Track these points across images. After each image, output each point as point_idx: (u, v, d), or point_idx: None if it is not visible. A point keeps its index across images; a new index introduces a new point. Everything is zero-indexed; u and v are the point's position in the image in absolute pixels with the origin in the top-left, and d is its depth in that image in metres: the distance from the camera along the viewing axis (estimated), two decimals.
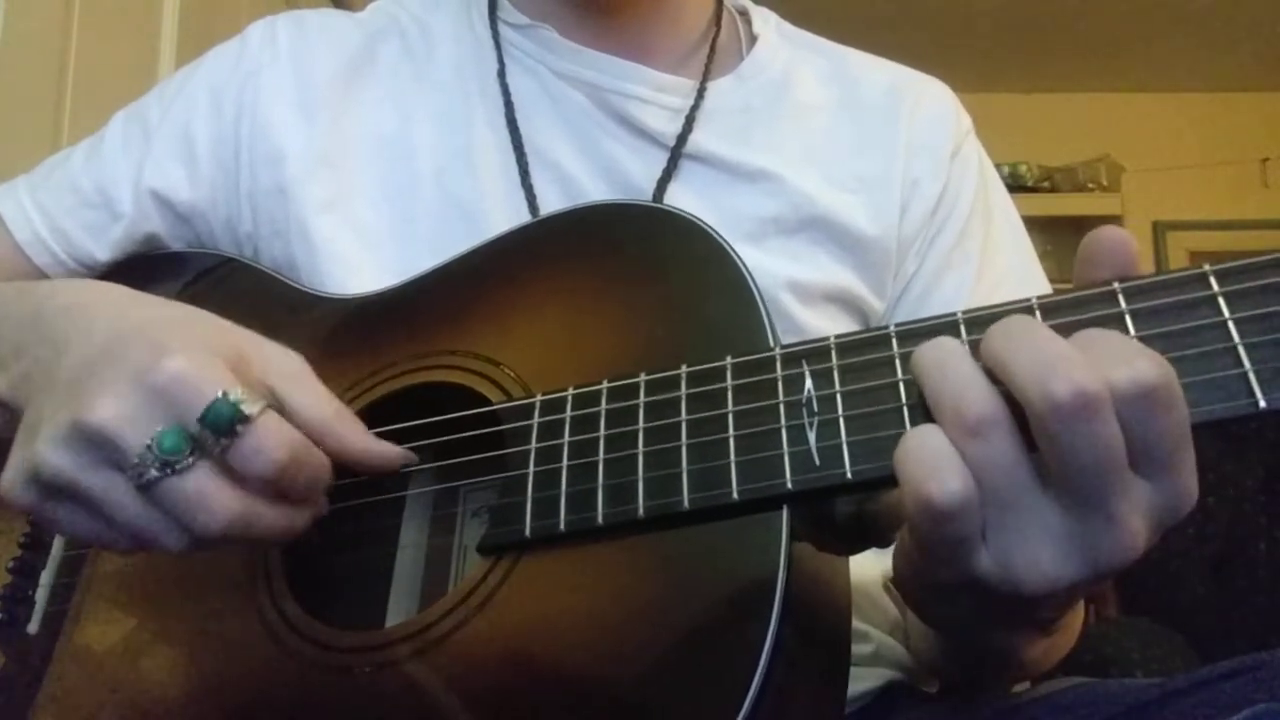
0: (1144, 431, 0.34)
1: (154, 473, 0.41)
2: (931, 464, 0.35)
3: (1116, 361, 0.34)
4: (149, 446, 0.41)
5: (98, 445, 0.41)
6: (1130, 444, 0.35)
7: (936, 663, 0.60)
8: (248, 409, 0.41)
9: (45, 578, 0.58)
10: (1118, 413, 0.34)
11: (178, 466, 0.41)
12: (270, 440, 0.42)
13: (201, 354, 0.43)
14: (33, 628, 0.56)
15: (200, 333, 0.45)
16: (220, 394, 0.41)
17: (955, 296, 0.68)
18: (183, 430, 0.41)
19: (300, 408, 0.45)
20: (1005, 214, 0.73)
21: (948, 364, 0.37)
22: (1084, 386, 0.33)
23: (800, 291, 0.65)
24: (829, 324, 0.64)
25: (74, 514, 0.43)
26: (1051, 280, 0.72)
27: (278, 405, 0.44)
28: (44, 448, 0.42)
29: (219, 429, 0.41)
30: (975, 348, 0.37)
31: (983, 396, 0.36)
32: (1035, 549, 0.36)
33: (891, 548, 0.67)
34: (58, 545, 0.59)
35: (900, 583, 0.46)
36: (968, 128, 0.74)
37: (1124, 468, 0.35)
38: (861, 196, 0.68)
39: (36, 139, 1.14)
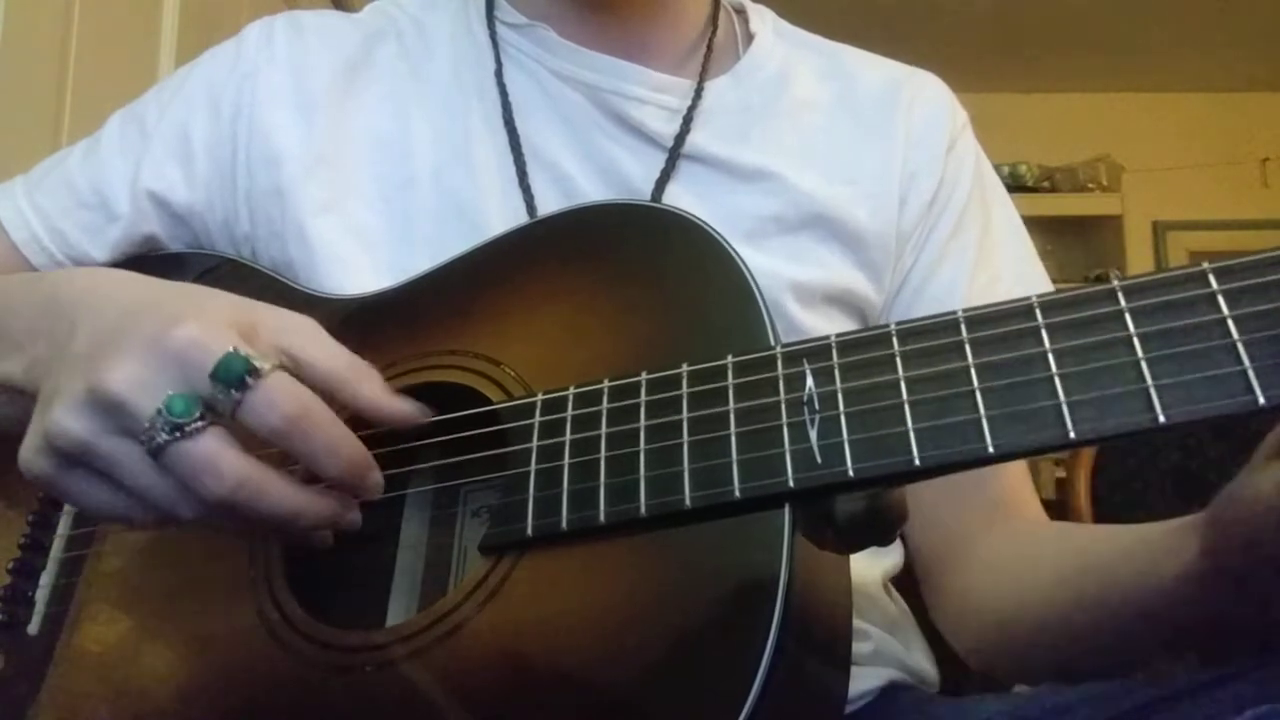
0: None
1: (164, 436, 0.41)
2: None
3: None
4: (160, 410, 0.41)
5: (111, 411, 0.42)
6: None
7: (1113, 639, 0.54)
8: (259, 363, 0.42)
9: (45, 578, 0.58)
10: None
11: (187, 429, 0.41)
12: (281, 393, 0.42)
13: (213, 321, 0.43)
14: (33, 628, 0.56)
15: (209, 303, 0.46)
16: (231, 348, 0.42)
17: (952, 288, 0.68)
18: (194, 394, 0.41)
19: (314, 361, 0.45)
20: (1003, 208, 0.73)
21: None
22: None
23: (801, 292, 0.65)
24: (828, 326, 0.64)
25: (89, 483, 0.44)
26: (1051, 280, 0.72)
27: (292, 366, 0.44)
28: (59, 416, 0.43)
29: (230, 382, 0.41)
30: None
31: None
32: None
33: (890, 550, 0.67)
34: (57, 546, 0.59)
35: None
36: (964, 122, 0.74)
37: None
38: (859, 191, 0.68)
39: (36, 139, 1.14)
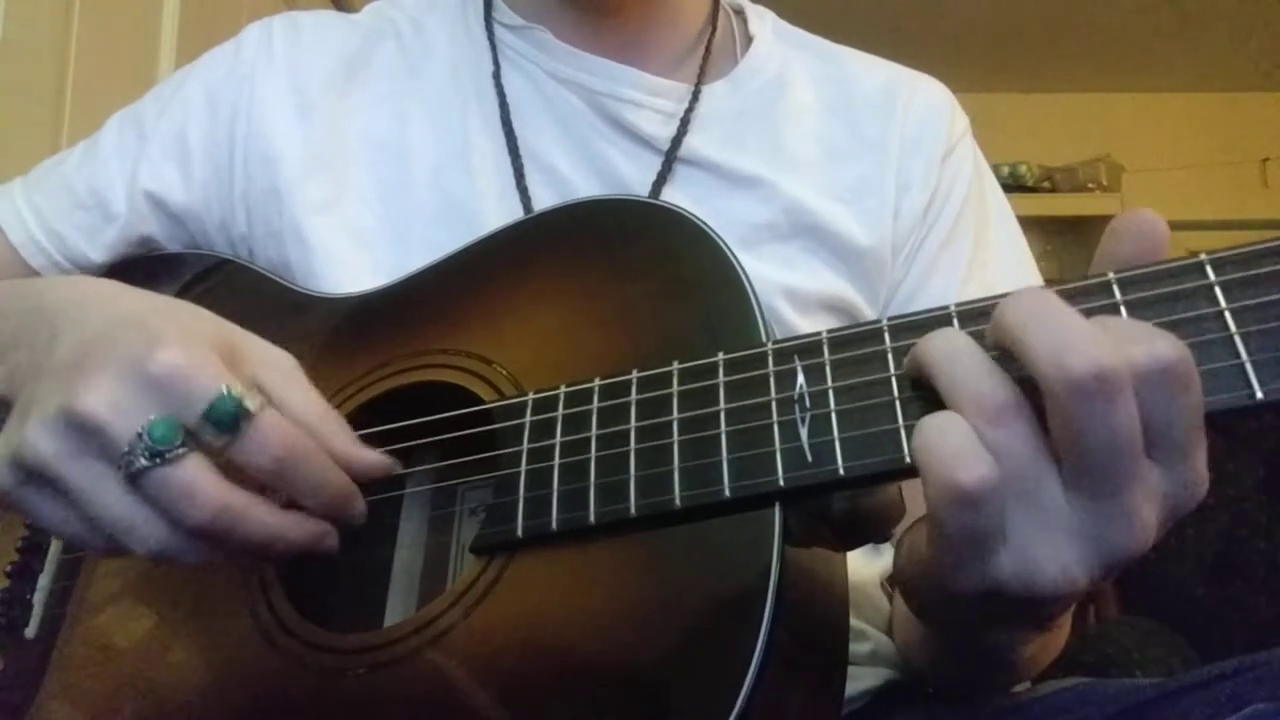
0: (1162, 413, 0.34)
1: (143, 461, 0.40)
2: (956, 451, 0.35)
3: (1135, 340, 0.34)
4: (139, 435, 0.40)
5: (86, 433, 0.41)
6: (1147, 426, 0.34)
7: (926, 662, 0.59)
8: (250, 404, 0.41)
9: (43, 581, 0.58)
10: (1136, 393, 0.33)
11: (168, 456, 0.40)
12: (272, 437, 0.42)
13: (196, 346, 0.42)
14: (30, 631, 0.56)
15: (193, 324, 0.45)
16: (224, 390, 0.41)
17: (941, 300, 0.67)
18: (175, 420, 0.41)
19: (286, 405, 0.44)
20: (1001, 219, 0.72)
21: (960, 353, 0.37)
22: (1103, 364, 0.33)
23: (794, 298, 0.64)
24: (822, 328, 0.64)
25: (50, 503, 0.43)
26: (1051, 281, 0.71)
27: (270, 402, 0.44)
28: (31, 432, 0.42)
29: (223, 425, 0.41)
30: (979, 339, 0.37)
31: (1000, 383, 0.35)
32: (1051, 540, 0.35)
33: (888, 544, 0.67)
34: (55, 549, 0.59)
35: (907, 589, 0.46)
36: (963, 128, 0.73)
37: (1139, 453, 0.34)
38: (854, 206, 0.67)
39: (36, 139, 1.14)
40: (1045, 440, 0.35)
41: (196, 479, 0.41)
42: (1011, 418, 0.35)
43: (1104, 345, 0.33)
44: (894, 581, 0.46)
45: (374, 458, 0.47)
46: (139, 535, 0.42)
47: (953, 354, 0.37)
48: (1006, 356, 0.36)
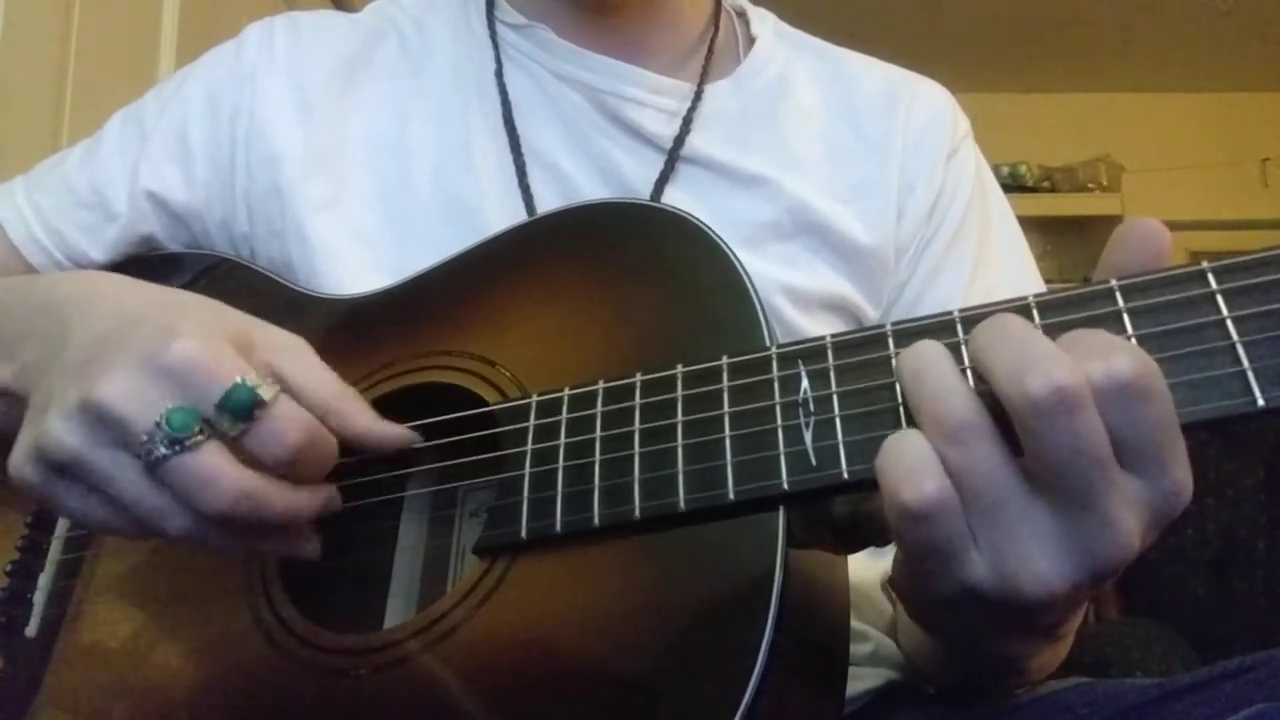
0: (1126, 426, 0.34)
1: (163, 450, 0.41)
2: (908, 468, 0.36)
3: (1093, 357, 0.34)
4: (158, 424, 0.41)
5: (106, 423, 0.42)
6: (1115, 439, 0.34)
7: (932, 669, 0.59)
8: (265, 394, 0.42)
9: (43, 580, 0.58)
10: (1099, 408, 0.34)
11: (187, 444, 0.41)
12: (287, 425, 0.43)
13: (210, 336, 0.43)
14: (31, 630, 0.56)
15: (205, 315, 0.45)
16: (238, 379, 0.42)
17: (948, 300, 0.67)
18: (192, 410, 0.41)
19: (304, 387, 0.45)
20: (1002, 220, 0.73)
21: (927, 370, 0.37)
22: (1060, 382, 0.33)
23: (796, 297, 0.64)
24: (824, 329, 0.64)
25: (79, 494, 0.44)
26: (1051, 281, 0.71)
27: (283, 386, 0.44)
28: (52, 426, 0.42)
29: (238, 414, 0.42)
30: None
31: (962, 403, 0.36)
32: (1029, 553, 0.36)
33: (890, 549, 0.67)
34: (55, 548, 0.59)
35: (900, 595, 0.46)
36: (965, 130, 0.73)
37: (1110, 464, 0.34)
38: (857, 206, 0.67)
39: (36, 139, 1.14)
40: (1012, 457, 0.36)
41: (215, 467, 0.42)
42: (970, 435, 0.36)
43: (1063, 364, 0.34)
44: (895, 592, 0.46)
45: (394, 430, 0.48)
46: (165, 521, 0.43)
47: (918, 371, 0.37)
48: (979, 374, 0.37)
